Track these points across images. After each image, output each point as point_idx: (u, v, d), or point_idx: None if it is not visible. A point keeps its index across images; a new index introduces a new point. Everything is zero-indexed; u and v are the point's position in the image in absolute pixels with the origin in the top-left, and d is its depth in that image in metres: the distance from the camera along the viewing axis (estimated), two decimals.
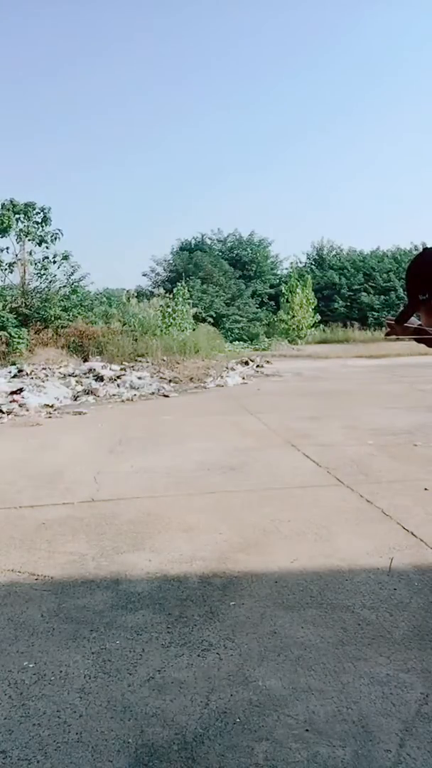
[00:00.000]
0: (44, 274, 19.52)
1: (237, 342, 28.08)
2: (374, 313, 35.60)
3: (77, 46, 60.99)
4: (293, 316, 29.89)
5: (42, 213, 19.05)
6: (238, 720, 2.16)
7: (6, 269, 19.27)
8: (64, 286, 19.92)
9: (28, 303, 18.78)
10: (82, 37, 60.04)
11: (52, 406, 10.44)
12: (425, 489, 4.83)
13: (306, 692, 2.30)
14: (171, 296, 23.57)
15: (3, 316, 16.97)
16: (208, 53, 62.02)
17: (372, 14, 62.91)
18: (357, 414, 8.50)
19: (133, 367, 15.03)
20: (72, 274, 20.10)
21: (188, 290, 25.16)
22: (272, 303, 35.22)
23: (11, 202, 18.67)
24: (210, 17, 60.52)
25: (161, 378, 13.87)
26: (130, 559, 3.63)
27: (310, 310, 30.27)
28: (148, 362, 15.79)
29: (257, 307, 34.53)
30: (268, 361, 18.67)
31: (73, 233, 65.39)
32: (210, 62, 61.98)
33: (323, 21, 62.56)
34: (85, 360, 16.12)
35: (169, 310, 21.85)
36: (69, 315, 18.56)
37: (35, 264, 19.42)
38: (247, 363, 17.76)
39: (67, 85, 61.19)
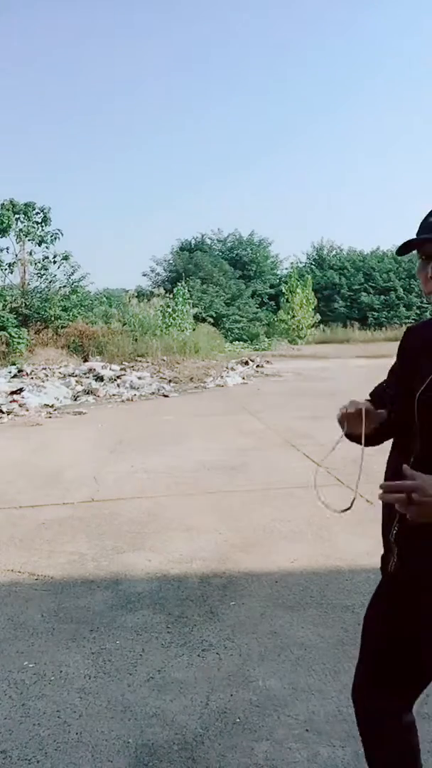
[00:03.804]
0: (44, 274, 19.53)
1: (237, 342, 28.07)
2: (374, 313, 35.63)
3: (79, 46, 61.04)
4: (293, 316, 29.88)
5: (42, 213, 19.05)
6: (238, 720, 2.16)
7: (6, 269, 19.27)
8: (64, 286, 19.92)
9: (28, 303, 18.77)
10: (84, 38, 60.10)
11: (52, 406, 10.45)
12: None
13: (306, 692, 2.30)
14: (171, 296, 23.55)
15: (3, 316, 16.97)
16: (208, 52, 62.09)
17: (375, 10, 62.98)
18: None
19: (133, 367, 15.04)
20: (72, 274, 20.11)
21: (188, 290, 25.14)
22: (272, 303, 35.19)
23: (11, 202, 18.66)
24: (207, 12, 60.58)
25: (161, 378, 13.87)
26: (130, 559, 3.63)
27: (310, 310, 30.25)
28: (148, 362, 15.79)
29: (257, 307, 34.51)
30: (268, 361, 18.66)
31: (73, 233, 65.43)
32: (211, 62, 62.03)
33: (327, 15, 62.62)
34: (85, 360, 16.13)
35: (169, 310, 21.84)
36: (69, 315, 18.56)
37: (35, 264, 19.42)
38: (247, 363, 17.76)
39: (67, 85, 61.26)
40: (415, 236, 1.24)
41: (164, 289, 27.02)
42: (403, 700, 1.43)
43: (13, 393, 10.95)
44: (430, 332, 1.34)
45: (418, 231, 1.23)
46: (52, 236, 19.09)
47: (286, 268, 38.53)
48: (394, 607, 1.38)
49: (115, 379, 13.14)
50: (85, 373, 13.78)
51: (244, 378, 14.48)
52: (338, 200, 63.92)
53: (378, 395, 1.47)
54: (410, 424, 1.27)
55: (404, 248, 1.24)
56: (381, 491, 1.16)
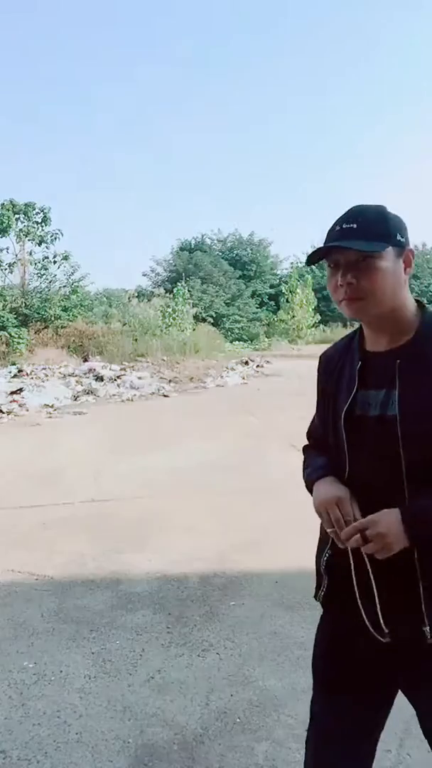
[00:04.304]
0: (44, 274, 19.53)
1: (237, 342, 28.08)
2: None
3: (77, 43, 61.06)
4: (293, 316, 29.88)
5: (42, 213, 19.05)
6: (238, 720, 2.16)
7: (6, 269, 19.27)
8: (64, 286, 19.92)
9: (28, 303, 18.78)
10: (83, 33, 60.12)
11: (52, 406, 10.44)
12: None
13: (306, 692, 2.29)
14: (171, 296, 23.56)
15: (3, 316, 16.97)
16: (209, 51, 62.09)
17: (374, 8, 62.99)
18: None
19: (133, 367, 15.03)
20: (72, 274, 20.12)
21: (188, 290, 25.15)
22: (272, 303, 35.21)
23: (11, 202, 18.67)
24: (207, 15, 60.62)
25: (161, 378, 13.87)
26: (130, 559, 3.63)
27: (310, 310, 30.26)
28: (148, 362, 15.79)
29: (257, 307, 34.54)
30: (268, 361, 18.67)
31: (74, 233, 65.45)
32: (212, 60, 62.04)
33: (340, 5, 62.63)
34: (85, 360, 16.12)
35: (169, 310, 21.85)
36: (69, 315, 18.57)
37: (35, 264, 19.43)
38: (247, 363, 17.76)
39: (67, 84, 61.23)
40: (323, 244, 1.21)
41: (164, 289, 27.06)
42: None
43: (13, 393, 10.94)
44: (342, 351, 1.35)
45: (326, 239, 1.21)
46: (52, 236, 19.10)
47: (286, 268, 38.54)
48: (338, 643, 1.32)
49: (115, 379, 13.14)
50: (85, 373, 13.77)
51: (243, 378, 14.48)
52: (338, 200, 63.93)
53: (315, 434, 1.47)
54: (339, 443, 1.26)
55: (313, 257, 1.22)
56: (342, 539, 1.15)
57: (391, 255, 1.16)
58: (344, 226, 1.17)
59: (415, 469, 1.13)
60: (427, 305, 1.28)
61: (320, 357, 1.43)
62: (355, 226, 1.16)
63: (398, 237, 1.18)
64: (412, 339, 1.20)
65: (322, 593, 1.31)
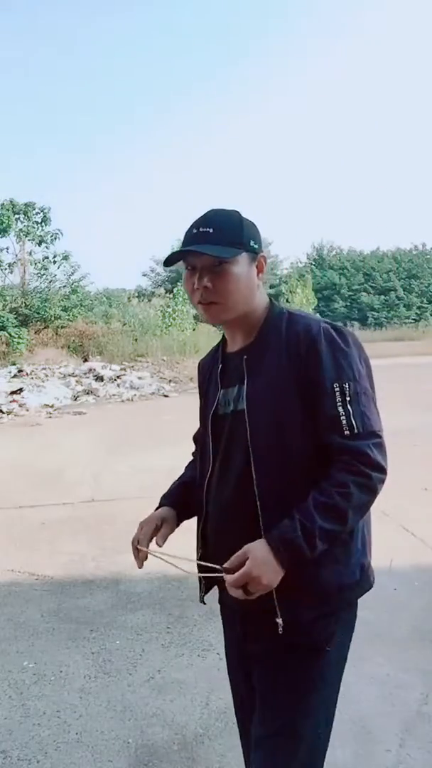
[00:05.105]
0: (44, 274, 19.50)
1: None
2: (374, 313, 35.69)
3: (78, 41, 61.06)
4: None
5: (42, 213, 19.02)
6: None
7: (6, 269, 19.25)
8: (64, 286, 19.90)
9: (28, 303, 18.75)
10: (84, 32, 60.13)
11: (52, 406, 10.45)
12: (425, 489, 4.83)
13: None
14: (171, 296, 23.54)
15: (3, 316, 16.94)
16: (210, 44, 62.10)
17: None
18: None
19: (133, 367, 15.03)
20: (72, 274, 20.09)
21: None
22: None
23: (11, 202, 18.63)
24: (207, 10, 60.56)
25: (161, 378, 13.87)
26: (131, 559, 3.60)
27: (310, 310, 30.30)
28: (148, 362, 15.79)
29: None
30: None
31: (74, 233, 65.45)
32: (210, 50, 62.03)
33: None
34: (85, 360, 16.12)
35: (170, 310, 21.83)
36: (69, 315, 18.54)
37: (35, 264, 19.40)
38: None
39: (67, 84, 61.25)
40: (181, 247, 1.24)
41: (164, 289, 27.03)
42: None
43: (13, 393, 10.95)
44: (212, 357, 1.42)
45: (183, 242, 1.24)
46: (52, 236, 19.06)
47: (286, 268, 38.54)
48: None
49: (115, 379, 13.14)
50: (85, 373, 13.78)
51: None
52: (338, 200, 63.97)
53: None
54: (206, 444, 1.32)
55: (170, 260, 1.26)
56: (232, 592, 1.16)
57: (245, 260, 1.20)
58: (201, 229, 1.21)
59: (260, 458, 1.19)
60: (277, 303, 1.32)
61: (198, 364, 1.50)
62: (210, 230, 1.20)
63: (251, 243, 1.22)
64: (257, 334, 1.26)
65: (203, 595, 1.45)
